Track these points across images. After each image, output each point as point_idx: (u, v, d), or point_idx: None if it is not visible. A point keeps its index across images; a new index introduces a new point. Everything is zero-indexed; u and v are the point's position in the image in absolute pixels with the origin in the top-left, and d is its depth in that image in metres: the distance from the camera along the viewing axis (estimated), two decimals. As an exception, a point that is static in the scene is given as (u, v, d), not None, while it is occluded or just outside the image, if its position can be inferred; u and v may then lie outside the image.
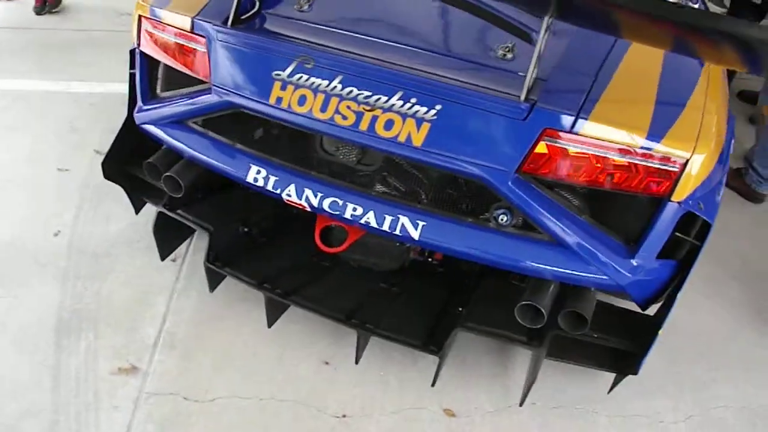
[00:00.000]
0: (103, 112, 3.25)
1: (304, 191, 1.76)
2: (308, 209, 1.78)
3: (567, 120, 1.51)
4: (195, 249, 2.45)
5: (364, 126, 1.60)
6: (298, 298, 1.96)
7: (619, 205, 1.66)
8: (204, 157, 1.91)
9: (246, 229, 2.22)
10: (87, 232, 2.51)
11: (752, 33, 1.10)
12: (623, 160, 1.52)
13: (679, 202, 1.56)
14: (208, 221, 2.09)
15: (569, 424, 1.97)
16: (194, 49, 1.86)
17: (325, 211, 1.75)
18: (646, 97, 1.58)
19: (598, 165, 1.54)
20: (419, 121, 1.57)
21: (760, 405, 2.11)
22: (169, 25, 1.90)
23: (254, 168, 1.82)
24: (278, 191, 1.79)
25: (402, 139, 1.58)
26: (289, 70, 1.68)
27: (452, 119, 1.56)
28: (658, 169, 1.51)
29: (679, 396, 2.10)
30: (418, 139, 1.58)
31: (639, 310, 1.84)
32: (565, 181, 1.59)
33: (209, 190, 2.18)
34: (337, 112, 1.63)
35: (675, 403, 2.08)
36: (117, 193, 2.33)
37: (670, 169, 1.51)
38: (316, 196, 1.75)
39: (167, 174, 1.97)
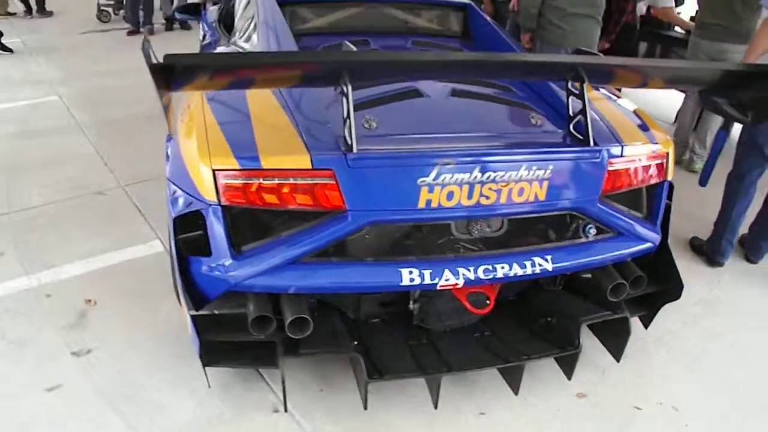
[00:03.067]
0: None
1: (458, 272, 1.99)
2: (461, 285, 2.01)
3: (616, 149, 2.13)
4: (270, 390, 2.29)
5: (503, 199, 1.98)
6: (450, 368, 2.11)
7: (632, 195, 2.29)
8: (339, 284, 1.97)
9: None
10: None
11: None
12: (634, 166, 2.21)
13: (670, 180, 2.33)
14: (333, 343, 2.07)
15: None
16: (316, 183, 1.85)
17: (480, 280, 2.01)
18: None
19: (632, 174, 2.22)
20: (541, 182, 2.00)
21: None
22: (274, 169, 1.84)
23: (405, 272, 1.96)
24: (435, 281, 1.97)
25: (531, 198, 2.01)
26: (433, 174, 1.87)
27: (560, 173, 2.02)
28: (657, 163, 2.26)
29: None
30: (542, 195, 2.03)
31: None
32: (618, 192, 2.20)
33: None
34: (481, 195, 1.95)
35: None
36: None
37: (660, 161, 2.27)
38: (470, 271, 2.00)
39: (296, 317, 1.91)
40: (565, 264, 2.13)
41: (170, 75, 1.59)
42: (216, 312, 2.04)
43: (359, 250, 2.02)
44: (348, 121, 1.86)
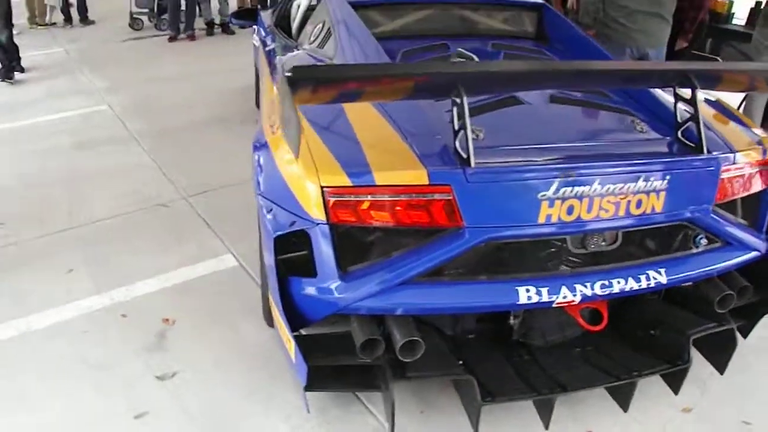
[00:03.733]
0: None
1: (575, 288, 1.89)
2: (577, 302, 1.91)
3: (729, 157, 2.03)
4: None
5: (621, 212, 1.88)
6: (563, 387, 2.00)
7: (740, 203, 2.21)
8: (454, 305, 1.89)
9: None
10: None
11: None
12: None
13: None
14: (441, 365, 1.95)
15: None
16: (433, 200, 1.76)
17: (597, 296, 1.91)
18: None
19: (744, 181, 2.12)
20: (657, 193, 1.90)
21: None
22: (388, 186, 1.75)
23: (522, 290, 1.86)
24: (552, 299, 1.87)
25: (648, 210, 1.91)
26: (553, 187, 1.78)
27: (676, 183, 1.92)
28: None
29: None
30: (659, 206, 1.93)
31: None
32: (729, 200, 2.09)
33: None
34: (600, 208, 1.85)
35: None
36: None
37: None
38: (587, 287, 1.90)
39: (409, 339, 1.80)
40: (678, 276, 2.02)
41: (302, 87, 1.46)
42: (319, 334, 1.94)
43: (471, 268, 1.90)
44: (463, 133, 1.75)
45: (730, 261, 2.12)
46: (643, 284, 1.96)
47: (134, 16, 8.31)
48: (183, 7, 7.59)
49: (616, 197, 1.85)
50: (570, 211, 1.82)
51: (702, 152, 1.98)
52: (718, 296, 2.11)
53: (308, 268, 1.86)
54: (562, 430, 2.10)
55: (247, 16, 4.56)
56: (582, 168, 1.82)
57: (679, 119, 2.06)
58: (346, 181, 1.75)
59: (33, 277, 2.86)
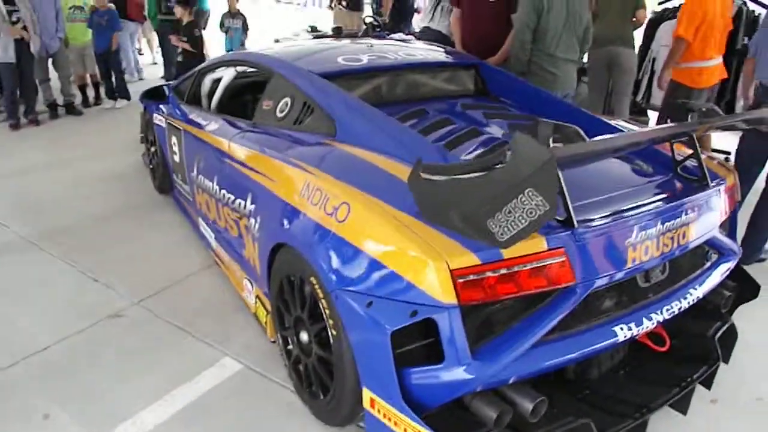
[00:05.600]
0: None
1: (652, 317, 2.09)
2: (653, 328, 2.11)
3: (722, 185, 2.39)
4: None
5: (675, 244, 2.13)
6: (648, 408, 2.16)
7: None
8: (570, 356, 1.94)
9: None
10: None
11: None
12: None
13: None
14: (556, 418, 2.00)
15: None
16: (550, 264, 1.83)
17: (665, 319, 2.12)
18: None
19: (730, 201, 2.48)
20: (691, 224, 2.18)
21: None
22: (514, 258, 1.77)
23: (618, 329, 2.01)
24: (639, 330, 2.04)
25: (689, 239, 2.19)
26: (634, 233, 1.98)
27: (701, 212, 2.23)
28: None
29: None
30: (691, 234, 2.20)
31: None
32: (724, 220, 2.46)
33: None
34: (663, 245, 2.08)
35: None
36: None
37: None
38: (659, 314, 2.11)
39: (540, 399, 1.88)
40: (705, 288, 2.31)
41: None
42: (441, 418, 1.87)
43: (570, 321, 1.96)
44: (564, 197, 1.83)
45: (728, 267, 2.46)
46: (690, 301, 2.23)
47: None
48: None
49: (671, 233, 2.11)
50: (646, 251, 2.04)
51: (708, 183, 2.31)
52: (722, 300, 2.49)
53: (436, 354, 1.80)
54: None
55: (157, 94, 4.21)
56: (654, 215, 2.05)
57: (677, 157, 2.39)
58: (474, 260, 1.74)
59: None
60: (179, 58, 7.15)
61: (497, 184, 1.59)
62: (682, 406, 2.29)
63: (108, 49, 7.45)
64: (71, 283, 3.43)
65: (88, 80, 7.90)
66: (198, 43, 6.90)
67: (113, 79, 7.75)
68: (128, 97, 7.87)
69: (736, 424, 2.39)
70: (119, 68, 7.81)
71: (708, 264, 2.42)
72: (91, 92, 7.94)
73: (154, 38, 9.93)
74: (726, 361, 2.51)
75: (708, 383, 2.40)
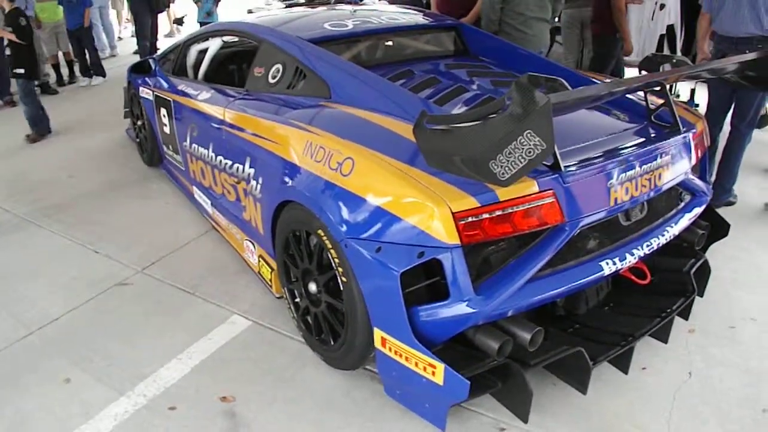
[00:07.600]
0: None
1: (634, 252, 2.26)
2: (634, 263, 2.27)
3: (692, 129, 2.55)
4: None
5: (652, 185, 2.30)
6: (633, 336, 2.35)
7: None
8: (562, 290, 2.09)
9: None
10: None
11: None
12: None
13: None
14: (552, 346, 2.18)
15: None
16: (542, 204, 1.97)
17: (646, 255, 2.29)
18: None
19: (700, 147, 2.64)
20: (666, 166, 2.35)
21: None
22: (509, 200, 1.91)
23: (604, 263, 2.17)
24: (623, 264, 2.21)
25: (664, 180, 2.35)
26: (615, 176, 2.14)
27: (674, 156, 2.40)
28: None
29: None
30: (667, 176, 2.37)
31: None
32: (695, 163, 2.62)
33: None
34: (641, 185, 2.24)
35: None
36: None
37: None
38: (640, 249, 2.28)
39: (537, 329, 2.05)
40: (680, 226, 2.49)
41: None
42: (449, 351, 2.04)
43: (560, 256, 2.12)
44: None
45: (700, 207, 2.63)
46: (667, 237, 2.41)
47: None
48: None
49: (648, 174, 2.27)
50: (626, 192, 2.19)
51: (680, 129, 2.47)
52: (695, 238, 2.68)
53: (442, 292, 1.95)
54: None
55: (142, 68, 4.23)
56: (631, 157, 2.21)
57: (650, 106, 2.53)
58: (474, 203, 1.88)
59: (27, 398, 2.43)
60: (7, 52, 5.75)
61: (498, 129, 1.71)
62: (662, 335, 2.49)
63: (80, 26, 7.36)
64: (75, 257, 3.52)
65: (61, 58, 7.82)
66: (25, 32, 5.57)
67: (87, 56, 7.67)
68: (103, 74, 7.82)
69: (712, 350, 2.59)
70: (93, 45, 7.73)
71: (682, 204, 2.61)
72: (65, 71, 7.86)
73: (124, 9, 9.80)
74: (701, 294, 2.71)
75: (685, 314, 2.60)
